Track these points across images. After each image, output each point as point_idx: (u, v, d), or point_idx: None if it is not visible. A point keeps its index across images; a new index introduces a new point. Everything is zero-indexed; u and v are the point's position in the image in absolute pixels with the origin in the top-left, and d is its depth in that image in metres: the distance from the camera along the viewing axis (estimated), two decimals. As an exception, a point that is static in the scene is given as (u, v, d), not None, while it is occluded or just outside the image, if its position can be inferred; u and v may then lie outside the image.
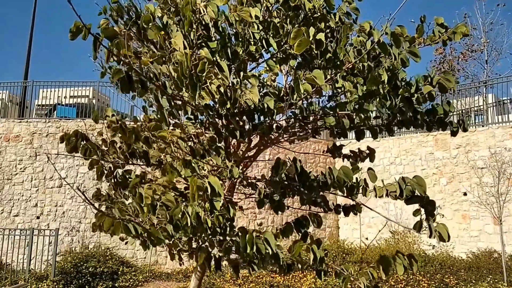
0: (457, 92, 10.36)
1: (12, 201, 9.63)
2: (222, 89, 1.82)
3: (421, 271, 7.77)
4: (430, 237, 2.01)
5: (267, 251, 1.93)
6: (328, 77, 2.01)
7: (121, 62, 1.97)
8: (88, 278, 8.02)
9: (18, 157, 9.83)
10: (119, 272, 8.40)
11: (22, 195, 9.65)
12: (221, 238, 2.12)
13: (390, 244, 9.60)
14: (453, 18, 15.24)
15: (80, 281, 7.92)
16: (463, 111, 10.18)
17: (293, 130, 2.42)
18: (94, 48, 1.81)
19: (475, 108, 10.34)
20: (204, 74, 1.78)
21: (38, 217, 9.57)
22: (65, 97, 11.14)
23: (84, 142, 2.32)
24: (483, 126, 9.58)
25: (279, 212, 2.34)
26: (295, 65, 2.21)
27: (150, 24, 2.01)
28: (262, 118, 2.17)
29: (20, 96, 10.98)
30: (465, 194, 9.10)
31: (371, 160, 2.51)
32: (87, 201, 1.95)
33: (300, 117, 2.30)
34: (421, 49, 2.13)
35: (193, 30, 1.97)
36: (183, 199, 2.03)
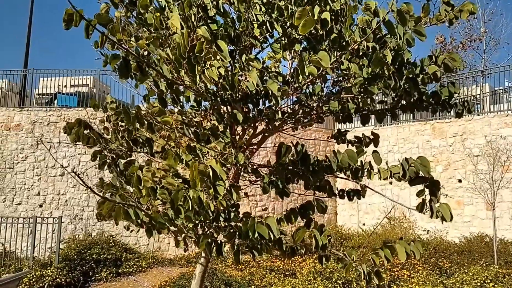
0: (455, 81, 10.45)
1: (15, 190, 9.70)
2: (222, 71, 1.72)
3: (416, 255, 8.00)
4: (431, 217, 1.98)
5: (270, 236, 1.89)
6: (333, 59, 1.94)
7: (116, 47, 1.87)
8: (92, 264, 8.13)
9: (19, 146, 9.84)
10: (123, 259, 8.52)
11: (25, 184, 9.71)
12: (226, 224, 2.08)
13: (386, 230, 9.85)
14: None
15: (84, 267, 8.02)
16: (460, 100, 10.29)
17: (297, 116, 2.35)
18: (86, 33, 1.77)
19: (472, 97, 10.47)
20: (203, 55, 1.69)
21: (41, 206, 9.65)
22: (65, 86, 11.06)
23: (87, 131, 2.26)
24: (479, 115, 9.73)
25: (284, 198, 2.30)
26: (300, 50, 2.12)
27: (149, 8, 1.93)
28: (267, 103, 2.09)
29: (20, 85, 10.88)
30: (460, 181, 9.31)
31: (375, 145, 2.44)
32: (85, 185, 1.86)
33: (305, 103, 2.23)
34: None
35: (193, 12, 1.87)
36: (186, 186, 1.96)
